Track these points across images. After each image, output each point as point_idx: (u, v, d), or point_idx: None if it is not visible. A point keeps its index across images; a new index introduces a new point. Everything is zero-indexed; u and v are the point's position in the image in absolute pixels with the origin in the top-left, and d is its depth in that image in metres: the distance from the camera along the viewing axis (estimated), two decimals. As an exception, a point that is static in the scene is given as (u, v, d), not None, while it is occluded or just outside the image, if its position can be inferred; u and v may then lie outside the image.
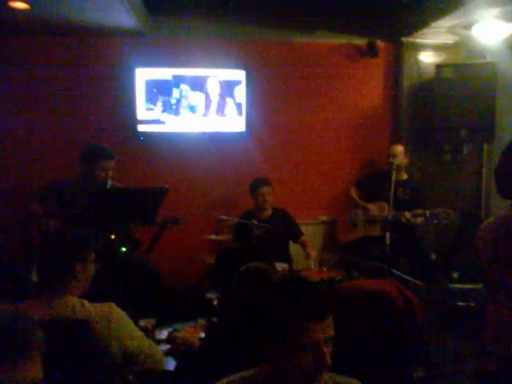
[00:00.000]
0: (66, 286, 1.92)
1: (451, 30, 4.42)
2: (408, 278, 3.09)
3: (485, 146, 4.80)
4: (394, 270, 3.27)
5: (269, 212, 4.19)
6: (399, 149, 4.33)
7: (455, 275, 3.61)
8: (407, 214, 3.93)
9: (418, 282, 3.00)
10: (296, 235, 4.22)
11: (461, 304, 3.29)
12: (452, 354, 3.05)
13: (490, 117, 4.40)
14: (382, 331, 2.62)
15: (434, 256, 4.14)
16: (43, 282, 1.95)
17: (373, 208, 4.24)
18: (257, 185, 4.15)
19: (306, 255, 4.01)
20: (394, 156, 4.22)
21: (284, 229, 4.12)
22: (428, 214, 3.79)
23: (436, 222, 3.71)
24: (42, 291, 1.93)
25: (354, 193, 4.56)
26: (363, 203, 4.39)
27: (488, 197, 4.82)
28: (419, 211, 3.93)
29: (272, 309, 1.36)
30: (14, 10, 3.57)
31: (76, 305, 1.89)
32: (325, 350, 1.28)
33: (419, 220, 3.97)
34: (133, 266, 3.47)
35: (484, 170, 4.84)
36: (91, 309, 1.89)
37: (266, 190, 4.12)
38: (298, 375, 1.31)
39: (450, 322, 3.14)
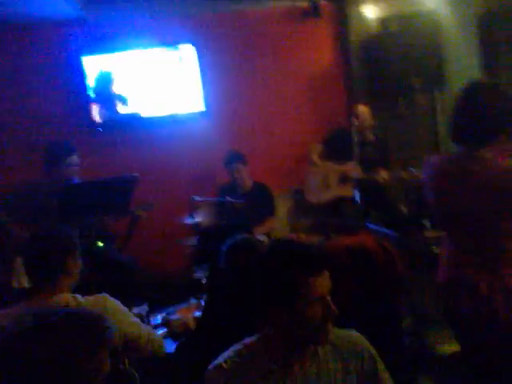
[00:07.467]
0: (58, 283, 1.90)
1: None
2: (384, 230, 3.17)
3: (436, 94, 4.83)
4: (370, 224, 3.34)
5: (249, 185, 4.17)
6: (362, 109, 4.20)
7: (427, 224, 3.70)
8: (384, 174, 3.90)
9: (393, 234, 3.08)
10: (270, 213, 4.20)
11: (436, 249, 3.40)
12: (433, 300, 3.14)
13: (438, 64, 4.45)
14: (367, 285, 2.68)
15: (404, 208, 4.20)
16: (34, 281, 1.93)
17: (348, 168, 4.06)
18: (229, 160, 4.10)
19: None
20: (357, 116, 4.08)
21: (262, 205, 4.11)
22: (406, 176, 3.76)
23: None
24: (30, 294, 1.91)
25: (314, 153, 4.31)
26: (323, 165, 4.19)
27: (445, 145, 4.93)
28: (397, 172, 3.90)
29: (274, 274, 1.39)
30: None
31: (70, 300, 1.87)
32: (329, 299, 1.36)
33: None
34: (109, 260, 3.42)
35: (438, 119, 4.94)
36: (85, 302, 1.88)
37: (237, 166, 4.08)
38: (309, 331, 1.37)
39: (430, 267, 3.24)
